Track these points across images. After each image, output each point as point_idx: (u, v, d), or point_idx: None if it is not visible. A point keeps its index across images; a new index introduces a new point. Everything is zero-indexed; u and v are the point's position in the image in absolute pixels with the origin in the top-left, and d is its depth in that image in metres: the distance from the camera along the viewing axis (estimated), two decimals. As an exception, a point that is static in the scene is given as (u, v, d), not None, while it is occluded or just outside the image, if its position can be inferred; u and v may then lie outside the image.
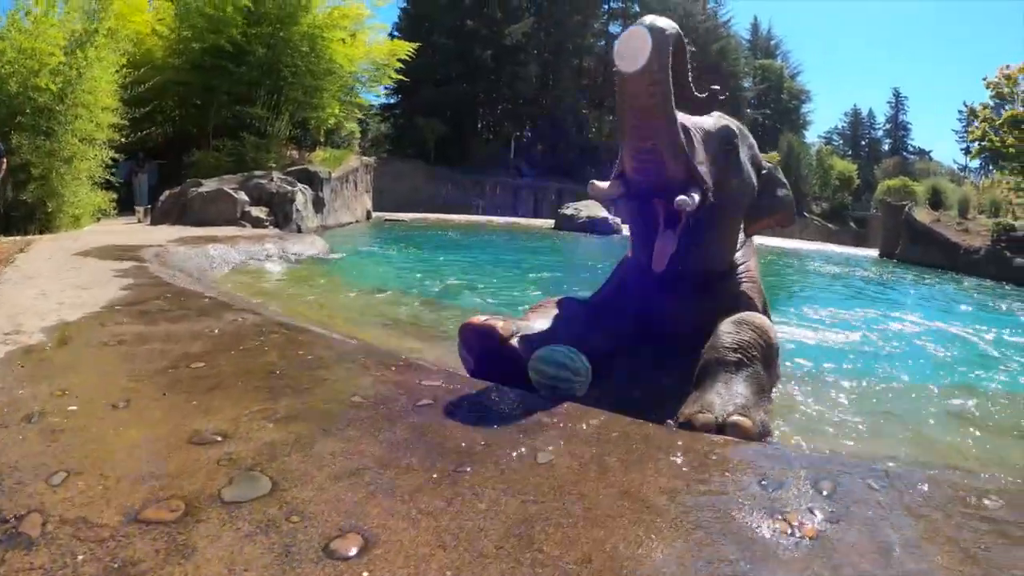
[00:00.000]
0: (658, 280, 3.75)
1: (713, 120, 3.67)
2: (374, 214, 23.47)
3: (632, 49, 3.00)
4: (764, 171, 4.14)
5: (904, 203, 29.49)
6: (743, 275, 4.20)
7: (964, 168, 66.91)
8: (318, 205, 16.24)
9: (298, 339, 3.53)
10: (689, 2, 52.07)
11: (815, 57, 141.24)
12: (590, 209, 25.10)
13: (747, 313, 3.61)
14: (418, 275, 9.37)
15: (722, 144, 3.59)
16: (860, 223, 52.32)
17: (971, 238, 23.10)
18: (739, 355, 3.18)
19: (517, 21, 43.19)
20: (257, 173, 14.02)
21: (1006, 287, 17.07)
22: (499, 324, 3.17)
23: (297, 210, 14.25)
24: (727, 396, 2.90)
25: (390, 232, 18.89)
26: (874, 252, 30.75)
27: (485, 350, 3.19)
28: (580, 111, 45.71)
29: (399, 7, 44.45)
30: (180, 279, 5.60)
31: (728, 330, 3.32)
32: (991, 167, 40.40)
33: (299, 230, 13.86)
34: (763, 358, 3.25)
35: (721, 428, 2.65)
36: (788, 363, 4.59)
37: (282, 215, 13.54)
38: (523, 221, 26.69)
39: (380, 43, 22.98)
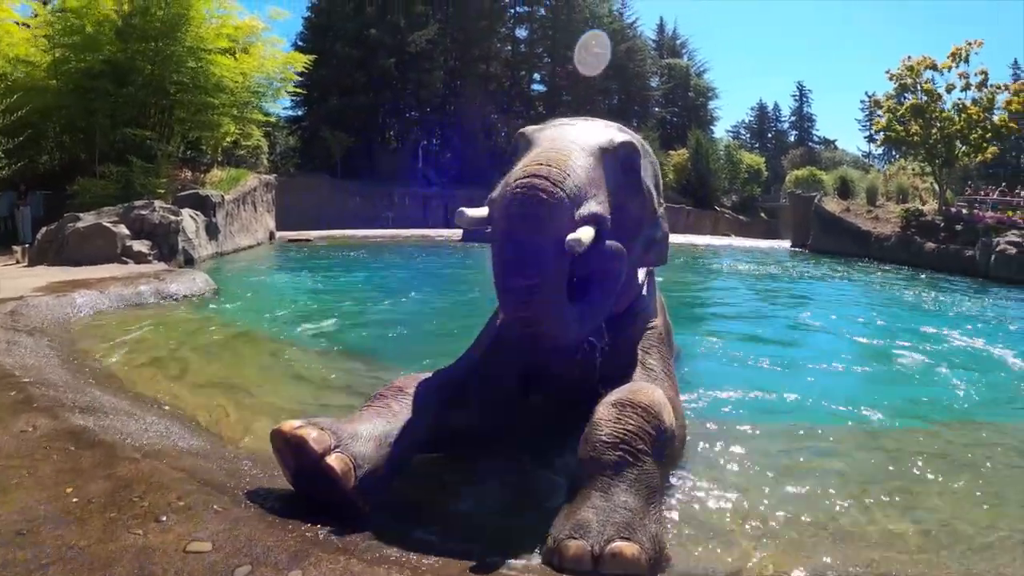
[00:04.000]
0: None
1: (612, 134, 3.26)
2: (278, 234, 22.59)
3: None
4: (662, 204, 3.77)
5: (813, 194, 30.42)
6: (640, 316, 3.84)
7: (868, 155, 69.55)
8: (211, 231, 15.35)
9: (80, 465, 2.75)
10: (596, 4, 52.65)
11: (721, 55, 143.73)
12: None
13: (633, 387, 3.10)
14: (313, 307, 9.00)
15: (623, 165, 3.23)
16: (771, 213, 53.94)
17: (881, 225, 24.10)
18: (620, 452, 2.66)
19: (421, 28, 42.70)
20: (138, 203, 13.01)
21: (923, 276, 18.06)
22: (312, 435, 2.55)
23: (188, 239, 13.40)
24: (606, 511, 2.40)
25: (292, 255, 18.18)
26: (786, 244, 31.58)
27: (300, 467, 2.61)
28: (488, 116, 45.46)
29: (302, 16, 43.64)
30: (16, 351, 4.92)
31: (606, 417, 2.79)
32: (894, 154, 42.12)
33: (190, 262, 13.04)
34: (654, 450, 2.74)
35: (598, 560, 2.22)
36: (693, 410, 4.31)
37: (167, 248, 12.58)
38: (432, 233, 26.02)
39: (275, 56, 22.22)
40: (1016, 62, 57.41)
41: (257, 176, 21.86)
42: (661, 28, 67.71)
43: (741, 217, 51.45)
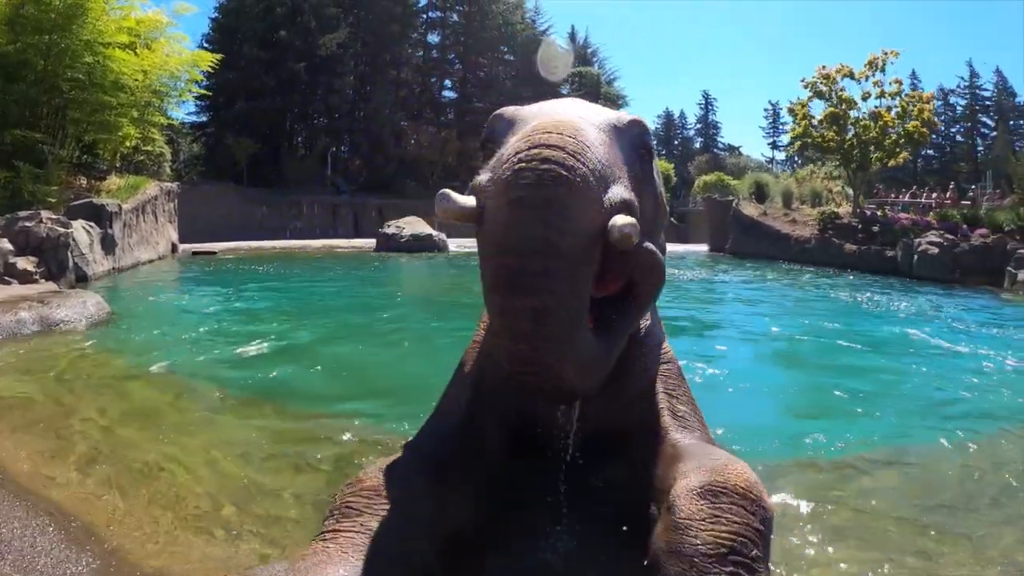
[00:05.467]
0: None
1: (617, 112, 2.53)
2: (181, 247, 21.49)
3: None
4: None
5: (730, 198, 31.10)
6: (651, 341, 3.06)
7: (771, 161, 71.95)
8: (108, 245, 14.17)
9: None
10: (509, 12, 52.75)
11: (630, 63, 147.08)
12: (413, 226, 23.78)
13: (714, 461, 2.36)
14: (222, 333, 7.91)
15: (636, 146, 2.46)
16: (681, 218, 54.83)
17: (800, 228, 25.08)
18: (731, 568, 1.98)
19: (332, 31, 41.67)
20: (22, 214, 11.66)
21: (850, 276, 19.03)
22: None
23: (80, 254, 12.32)
24: None
25: (196, 269, 17.04)
26: (702, 248, 32.34)
27: None
28: (398, 123, 44.84)
29: (209, 16, 42.05)
30: None
31: (696, 513, 2.09)
32: (797, 159, 43.29)
33: (83, 279, 11.97)
34: (766, 553, 2.09)
35: None
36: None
37: (56, 264, 11.32)
38: (343, 243, 25.13)
39: (180, 54, 21.07)
40: (914, 72, 59.79)
41: (158, 184, 20.57)
42: (573, 36, 68.16)
43: (658, 222, 52.41)
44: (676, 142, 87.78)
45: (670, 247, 28.00)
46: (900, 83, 26.52)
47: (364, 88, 44.32)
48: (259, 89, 38.77)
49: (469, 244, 23.23)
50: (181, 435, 4.08)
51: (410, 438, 3.10)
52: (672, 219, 55.46)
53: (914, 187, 34.09)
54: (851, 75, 26.66)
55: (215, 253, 21.38)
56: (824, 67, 27.13)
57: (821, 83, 27.02)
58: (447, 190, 2.09)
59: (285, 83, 39.86)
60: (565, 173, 1.93)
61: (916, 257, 19.81)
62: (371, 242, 23.20)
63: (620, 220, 1.99)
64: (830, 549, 2.72)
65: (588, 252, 1.98)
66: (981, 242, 19.63)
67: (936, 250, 19.54)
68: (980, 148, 67.77)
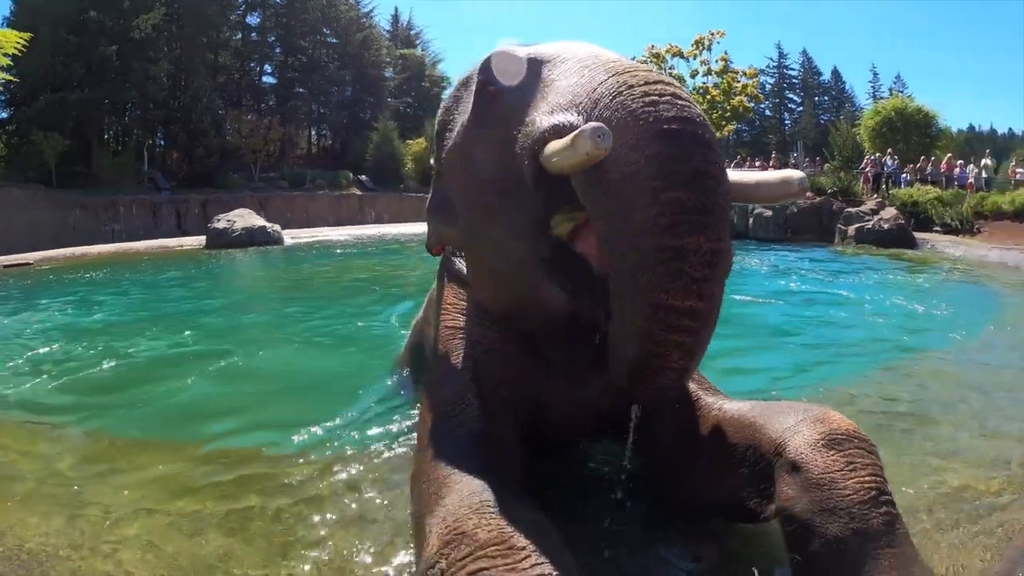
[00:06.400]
0: (562, 343, 2.55)
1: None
2: (-11, 258, 19.72)
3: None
4: None
5: None
6: None
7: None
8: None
9: None
10: (331, -8, 51.39)
11: (454, 44, 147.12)
12: (245, 219, 22.59)
13: (808, 411, 2.39)
14: (56, 354, 6.85)
15: None
16: None
17: None
18: (884, 507, 2.04)
19: (147, 11, 37.77)
20: None
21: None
22: None
23: None
24: None
25: (13, 285, 14.89)
26: None
27: None
28: (217, 111, 42.69)
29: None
30: None
31: (830, 464, 2.11)
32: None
33: None
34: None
35: None
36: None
37: None
38: (171, 243, 23.41)
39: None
40: (727, 53, 63.65)
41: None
42: (396, 18, 67.70)
43: (474, 202, 53.26)
44: None
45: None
46: (726, 60, 28.31)
47: (180, 74, 41.76)
48: (67, 78, 35.49)
49: (304, 235, 22.74)
50: (57, 503, 3.29)
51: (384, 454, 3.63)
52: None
53: (737, 158, 36.50)
54: (680, 54, 28.18)
55: (31, 264, 19.70)
56: (653, 46, 28.67)
57: (651, 61, 28.55)
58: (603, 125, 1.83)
59: (95, 70, 36.36)
60: (701, 117, 1.93)
61: (752, 220, 22.30)
62: (201, 239, 21.94)
63: (792, 173, 2.19)
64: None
65: (727, 207, 1.94)
66: (809, 204, 21.91)
67: (770, 212, 22.04)
68: (787, 122, 74.36)
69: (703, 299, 1.85)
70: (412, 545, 2.52)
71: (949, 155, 26.74)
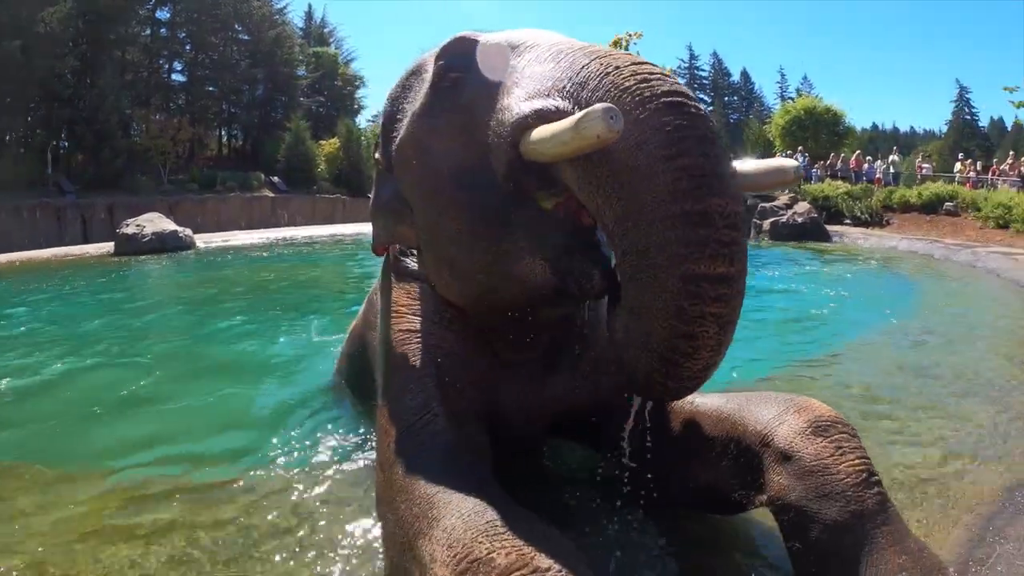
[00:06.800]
0: (520, 342, 2.70)
1: None
2: None
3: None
4: None
5: None
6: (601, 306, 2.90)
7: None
8: None
9: None
10: (243, -12, 50.01)
11: (366, 43, 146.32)
12: (155, 224, 20.88)
13: (790, 400, 2.48)
14: None
15: None
16: None
17: None
18: (876, 487, 2.16)
19: (53, 3, 36.25)
20: None
21: None
22: None
23: None
24: (928, 570, 2.02)
25: None
26: None
27: None
28: (125, 110, 41.10)
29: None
30: None
31: (821, 451, 2.20)
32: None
33: None
34: None
35: None
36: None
37: None
38: (76, 251, 21.11)
39: None
40: (639, 54, 65.35)
41: None
42: (309, 15, 66.95)
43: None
44: None
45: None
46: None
47: (86, 72, 40.15)
48: (-35, 76, 33.41)
49: (217, 240, 22.02)
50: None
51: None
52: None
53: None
54: (598, 53, 29.02)
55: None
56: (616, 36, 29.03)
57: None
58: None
59: (-3, 67, 34.54)
60: (704, 111, 1.90)
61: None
62: (108, 246, 20.47)
63: (789, 162, 2.22)
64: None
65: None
66: (724, 200, 23.23)
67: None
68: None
69: (733, 263, 1.78)
70: (386, 570, 2.43)
71: (858, 151, 28.69)
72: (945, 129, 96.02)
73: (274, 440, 4.11)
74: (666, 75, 1.92)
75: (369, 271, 15.24)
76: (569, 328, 2.86)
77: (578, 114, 1.73)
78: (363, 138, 51.80)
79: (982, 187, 26.43)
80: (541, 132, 1.95)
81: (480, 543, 1.84)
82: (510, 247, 2.25)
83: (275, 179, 43.84)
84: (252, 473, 3.65)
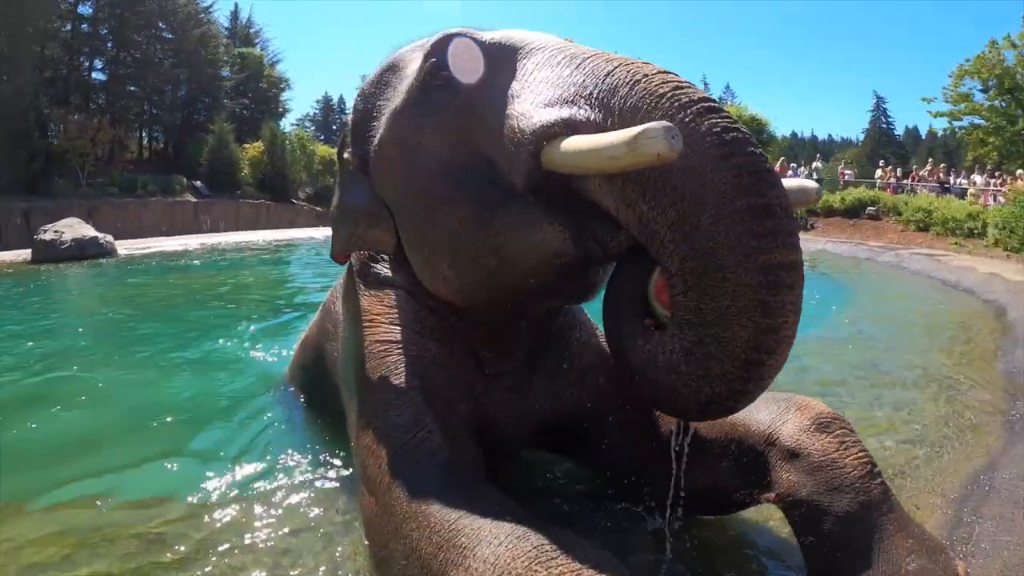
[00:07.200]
0: (503, 349, 2.72)
1: None
2: None
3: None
4: None
5: None
6: (584, 326, 3.08)
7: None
8: None
9: None
10: (169, -17, 48.60)
11: (291, 46, 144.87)
12: (75, 229, 19.71)
13: (791, 399, 2.53)
14: None
15: None
16: None
17: None
18: (879, 478, 2.27)
19: None
20: None
21: None
22: None
23: None
24: (933, 555, 2.12)
25: None
26: None
27: None
28: (43, 110, 39.70)
29: None
30: None
31: (826, 447, 2.29)
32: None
33: None
34: None
35: None
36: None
37: None
38: None
39: None
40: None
41: None
42: (236, 15, 65.77)
43: (318, 208, 52.39)
44: (335, 127, 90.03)
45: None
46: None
47: (4, 67, 38.37)
48: None
49: (139, 246, 21.33)
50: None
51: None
52: (338, 206, 56.29)
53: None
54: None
55: None
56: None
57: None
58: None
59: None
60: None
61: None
62: (25, 253, 19.29)
63: (806, 182, 2.15)
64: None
65: None
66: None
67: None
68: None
69: (797, 251, 1.76)
70: None
71: (782, 158, 30.04)
72: (862, 137, 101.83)
73: (221, 454, 3.87)
74: (690, 82, 1.89)
75: (299, 277, 15.56)
76: (549, 334, 2.86)
77: (632, 130, 1.65)
78: (288, 142, 51.51)
79: (902, 192, 28.82)
80: (577, 144, 1.86)
81: (535, 571, 1.74)
82: (522, 220, 2.15)
83: (198, 183, 42.74)
84: (207, 498, 3.31)
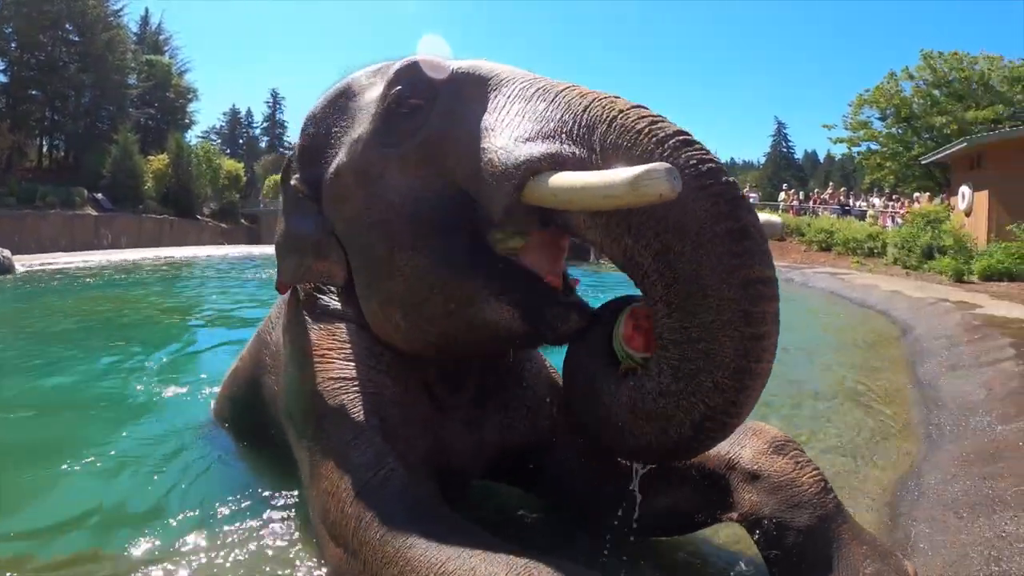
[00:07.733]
0: (455, 383, 2.66)
1: None
2: None
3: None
4: None
5: None
6: (537, 358, 3.07)
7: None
8: None
9: None
10: (78, -17, 46.32)
11: (199, 55, 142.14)
12: None
13: (747, 427, 2.56)
14: None
15: None
16: (252, 220, 56.10)
17: None
18: (832, 492, 2.39)
19: None
20: None
21: None
22: None
23: None
24: (882, 557, 2.26)
25: None
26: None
27: None
28: None
29: None
30: None
31: (784, 468, 2.39)
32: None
33: None
34: None
35: None
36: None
37: None
38: None
39: None
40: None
41: None
42: (146, 20, 63.75)
43: (223, 225, 51.66)
44: (242, 140, 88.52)
45: (246, 249, 28.20)
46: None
47: None
48: None
49: (39, 262, 19.62)
50: None
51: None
52: (243, 220, 55.88)
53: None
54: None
55: None
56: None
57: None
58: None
59: None
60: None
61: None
62: None
63: (768, 216, 2.25)
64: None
65: None
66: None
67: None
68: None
69: (773, 267, 1.88)
70: None
71: None
72: (763, 160, 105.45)
73: (155, 499, 3.33)
74: (662, 115, 1.97)
75: (207, 298, 14.44)
76: (499, 366, 2.81)
77: (634, 170, 1.70)
78: (194, 155, 50.23)
79: (804, 214, 30.01)
80: (568, 180, 1.89)
81: None
82: (475, 293, 2.18)
83: (99, 196, 40.86)
84: (124, 542, 2.82)
